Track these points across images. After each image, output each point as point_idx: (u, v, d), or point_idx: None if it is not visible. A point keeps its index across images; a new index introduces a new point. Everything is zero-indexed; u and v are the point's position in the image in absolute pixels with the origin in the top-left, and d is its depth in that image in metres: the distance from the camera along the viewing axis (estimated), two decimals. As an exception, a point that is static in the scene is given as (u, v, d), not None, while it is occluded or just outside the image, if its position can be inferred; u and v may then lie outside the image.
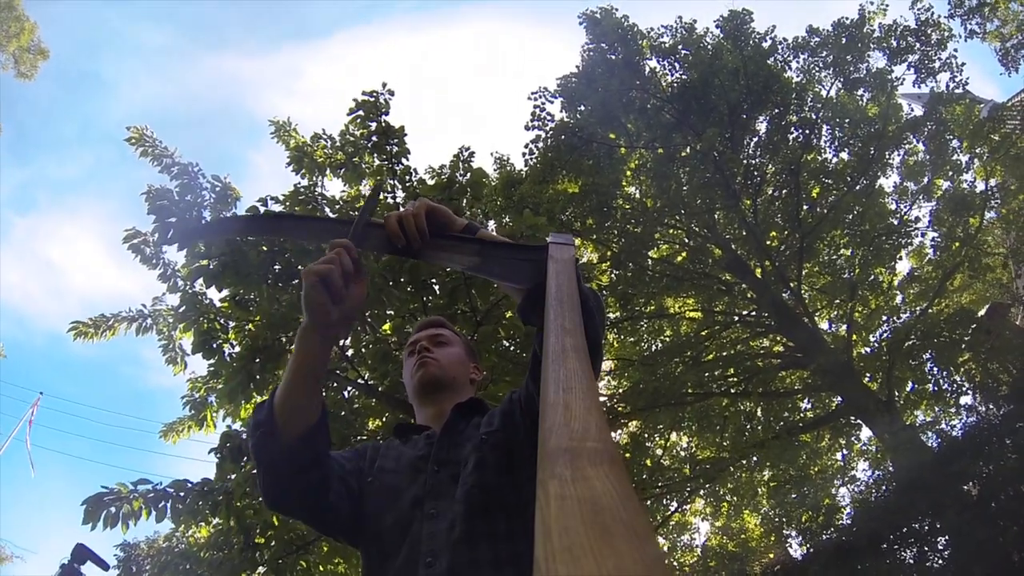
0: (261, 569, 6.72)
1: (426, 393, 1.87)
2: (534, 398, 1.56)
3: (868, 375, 11.97)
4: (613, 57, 14.25)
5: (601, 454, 0.61)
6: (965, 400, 11.00)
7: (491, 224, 9.42)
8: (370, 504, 1.64)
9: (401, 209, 1.52)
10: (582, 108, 14.15)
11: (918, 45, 12.87)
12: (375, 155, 7.75)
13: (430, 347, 1.93)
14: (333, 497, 1.58)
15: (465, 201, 7.44)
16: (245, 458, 6.13)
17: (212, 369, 7.20)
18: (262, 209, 6.68)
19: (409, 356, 1.96)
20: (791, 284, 12.93)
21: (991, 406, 8.91)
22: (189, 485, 6.15)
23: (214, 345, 6.79)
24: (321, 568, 7.14)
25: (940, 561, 8.06)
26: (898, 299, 14.11)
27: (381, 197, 7.61)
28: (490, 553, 1.43)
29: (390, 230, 1.45)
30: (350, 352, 7.36)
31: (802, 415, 14.26)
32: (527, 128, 13.75)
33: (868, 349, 13.29)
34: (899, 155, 13.63)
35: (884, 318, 13.46)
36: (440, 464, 1.64)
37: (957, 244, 12.76)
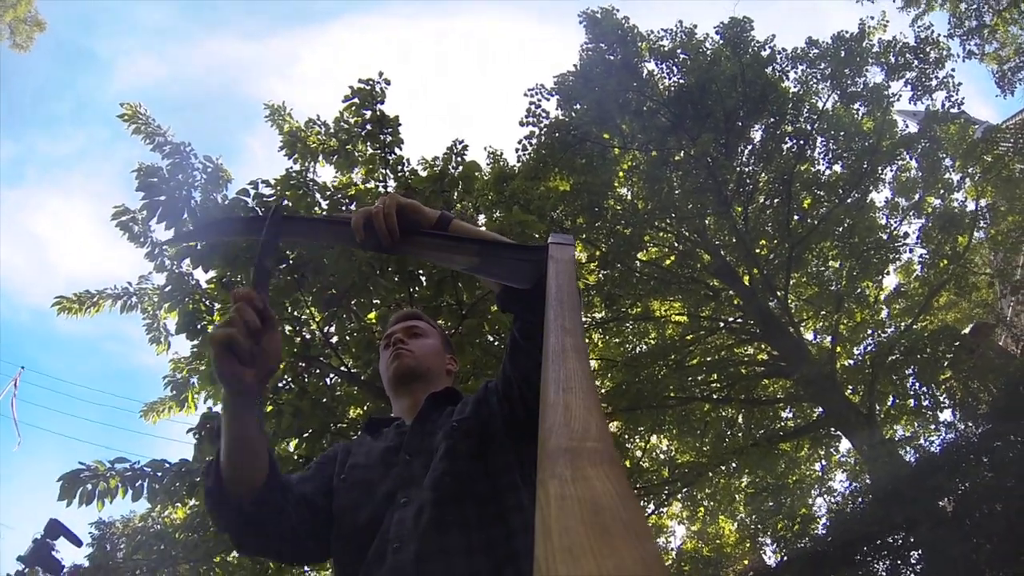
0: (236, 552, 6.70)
1: (401, 384, 1.88)
2: (511, 382, 1.58)
3: (850, 387, 12.05)
4: (612, 57, 14.26)
5: (601, 454, 0.61)
6: (945, 417, 11.09)
7: (481, 218, 9.40)
8: (343, 500, 1.63)
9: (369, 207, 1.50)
10: (578, 107, 14.15)
11: (916, 62, 12.95)
12: (368, 143, 7.72)
13: (405, 339, 1.94)
14: (301, 533, 1.56)
15: (456, 194, 7.42)
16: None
17: (195, 350, 7.16)
18: (252, 191, 6.64)
19: (385, 348, 1.96)
20: (778, 293, 12.99)
21: (970, 424, 8.97)
22: (167, 465, 6.11)
23: (198, 326, 6.74)
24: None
25: (912, 575, 8.13)
26: (883, 313, 14.21)
27: (372, 185, 7.59)
28: (461, 540, 1.42)
29: (354, 228, 1.44)
30: (334, 339, 7.34)
31: (783, 424, 14.36)
32: (522, 124, 13.75)
33: (851, 361, 13.38)
34: (892, 171, 13.72)
35: (869, 332, 13.55)
36: (412, 453, 1.64)
37: (944, 262, 12.86)
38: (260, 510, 1.44)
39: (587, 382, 0.79)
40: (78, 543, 3.88)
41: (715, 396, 13.51)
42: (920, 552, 8.05)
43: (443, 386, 1.87)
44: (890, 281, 14.55)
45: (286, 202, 6.73)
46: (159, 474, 6.04)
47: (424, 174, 7.94)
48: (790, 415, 14.62)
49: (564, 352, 0.88)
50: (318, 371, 7.43)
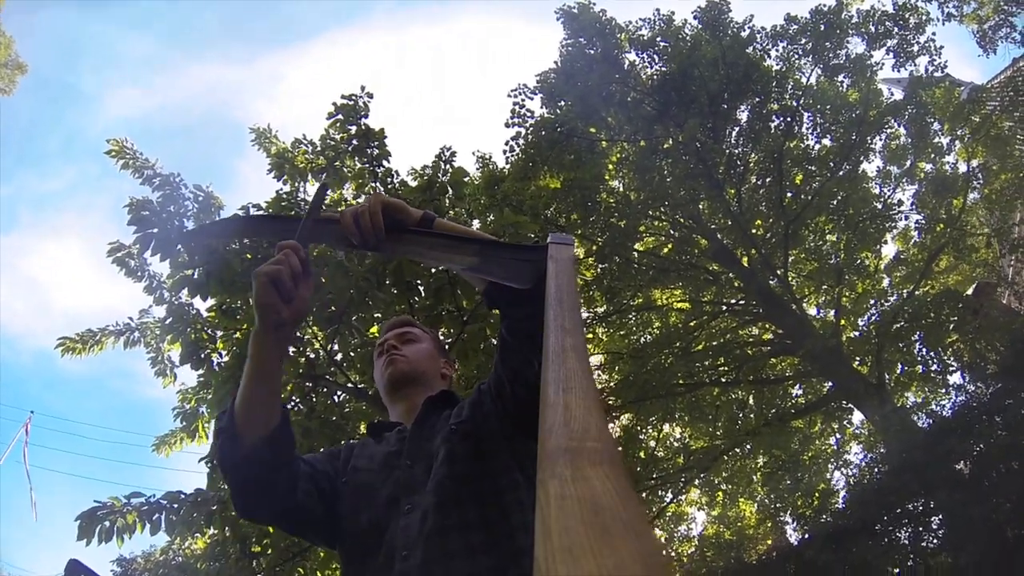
0: (259, 577, 6.70)
1: (395, 389, 1.89)
2: (503, 381, 1.59)
3: (858, 359, 12.04)
4: (592, 51, 14.24)
5: (601, 454, 0.62)
6: (954, 380, 11.09)
7: (475, 223, 9.39)
8: (346, 504, 1.64)
9: (356, 205, 1.53)
10: (562, 103, 14.14)
11: (896, 30, 12.93)
12: (356, 158, 7.73)
13: (398, 345, 1.95)
14: (302, 497, 1.58)
15: (448, 201, 7.42)
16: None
17: (201, 379, 7.17)
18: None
19: (378, 357, 1.97)
20: (778, 271, 12.98)
21: (980, 385, 8.96)
22: (182, 496, 6.11)
23: (202, 355, 6.75)
24: (319, 574, 7.12)
25: (935, 540, 8.12)
26: (885, 282, 14.21)
27: (362, 200, 7.58)
28: (462, 543, 1.43)
29: (344, 226, 1.47)
30: (339, 356, 7.35)
31: (794, 401, 14.35)
32: (507, 125, 13.73)
33: (857, 333, 13.37)
34: (881, 139, 13.68)
35: (871, 302, 13.52)
36: (413, 458, 1.65)
37: (941, 226, 12.86)
38: (268, 448, 1.47)
39: (587, 382, 0.79)
40: (100, 581, 3.88)
41: (724, 379, 13.50)
42: (940, 517, 8.04)
43: (439, 390, 1.88)
44: (889, 250, 14.59)
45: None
46: (175, 506, 6.04)
47: (414, 184, 7.94)
48: (800, 392, 14.62)
49: (564, 352, 0.89)
50: (325, 389, 7.44)
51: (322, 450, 1.86)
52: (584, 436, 0.66)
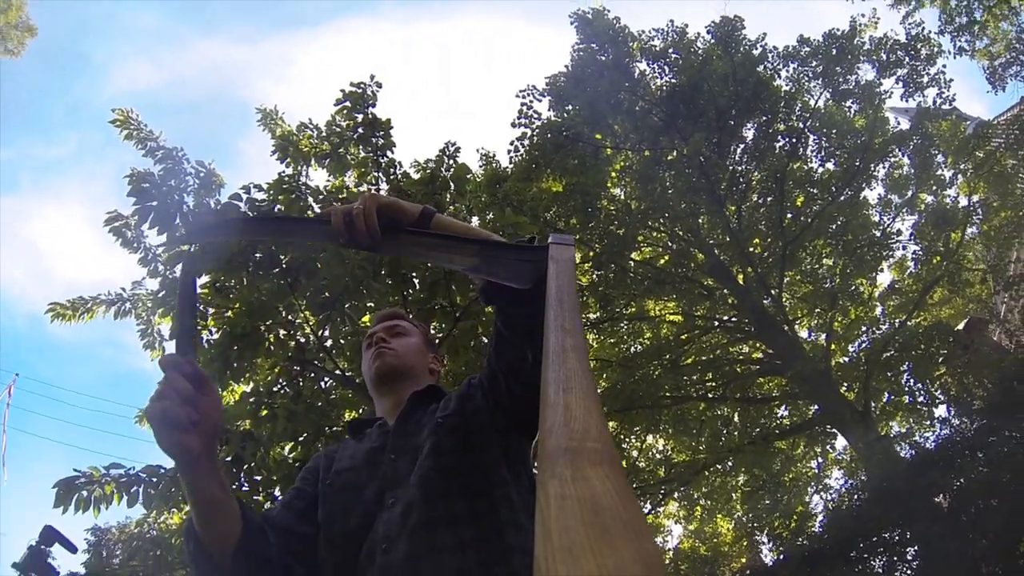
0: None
1: (382, 383, 1.87)
2: (496, 375, 1.58)
3: (845, 384, 12.09)
4: (603, 58, 14.26)
5: (601, 454, 0.61)
6: (939, 412, 11.12)
7: (475, 220, 9.39)
8: (331, 506, 1.63)
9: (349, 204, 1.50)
10: (570, 108, 14.16)
11: (907, 59, 12.98)
12: (360, 147, 7.72)
13: (386, 338, 1.94)
14: (294, 570, 1.55)
15: (449, 196, 7.42)
16: (217, 443, 6.09)
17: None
18: (244, 196, 6.63)
19: (367, 349, 1.96)
20: (772, 291, 13.01)
21: (965, 420, 8.99)
22: (162, 471, 6.08)
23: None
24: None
25: (909, 571, 8.14)
26: (878, 310, 14.25)
27: (364, 188, 7.58)
28: (451, 537, 1.42)
29: (335, 226, 1.44)
30: (329, 343, 7.34)
31: (779, 422, 14.39)
32: (514, 125, 13.75)
33: (846, 359, 13.42)
34: (884, 168, 13.76)
35: (863, 329, 13.57)
36: (397, 452, 1.63)
37: (938, 258, 12.90)
38: (243, 565, 1.43)
39: (587, 382, 0.79)
40: (73, 550, 3.85)
41: (710, 395, 13.53)
42: (916, 548, 8.07)
43: (426, 384, 1.87)
44: (884, 278, 14.64)
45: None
46: (154, 480, 6.01)
47: (416, 177, 7.94)
48: (785, 413, 14.67)
49: (564, 352, 0.88)
50: (312, 375, 7.42)
51: (297, 478, 1.83)
52: (584, 436, 0.65)
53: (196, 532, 1.41)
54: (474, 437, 1.59)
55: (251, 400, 6.70)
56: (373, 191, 7.34)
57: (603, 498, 0.53)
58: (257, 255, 6.62)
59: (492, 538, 1.43)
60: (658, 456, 14.82)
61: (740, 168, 13.97)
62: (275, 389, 6.97)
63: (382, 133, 7.42)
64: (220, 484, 1.39)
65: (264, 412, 6.43)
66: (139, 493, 5.92)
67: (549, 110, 14.26)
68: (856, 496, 9.24)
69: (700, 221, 14.09)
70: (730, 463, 13.16)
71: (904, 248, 13.80)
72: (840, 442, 13.61)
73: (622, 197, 14.74)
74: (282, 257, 6.37)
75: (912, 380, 11.25)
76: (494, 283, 1.47)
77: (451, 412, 1.65)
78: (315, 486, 1.72)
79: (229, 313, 6.73)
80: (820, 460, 14.48)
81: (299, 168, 8.10)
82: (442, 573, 1.37)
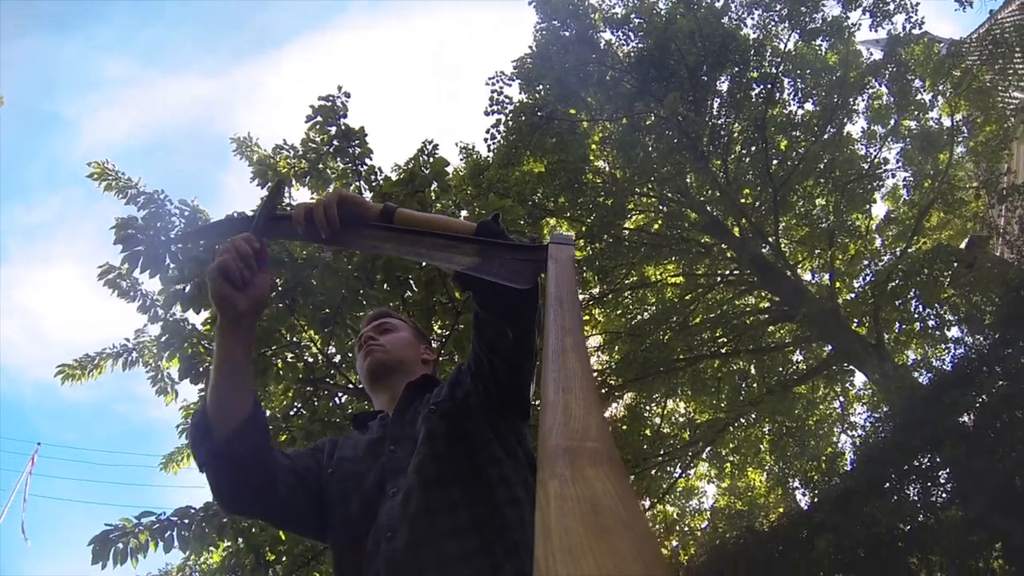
0: (275, 585, 6.72)
1: (376, 379, 1.91)
2: (480, 357, 1.62)
3: (855, 320, 12.07)
4: (566, 33, 14.20)
5: (601, 454, 0.62)
6: (952, 334, 11.13)
7: (463, 213, 9.37)
8: (333, 495, 1.66)
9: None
10: (540, 88, 14.09)
11: (871, -12, 12.90)
12: (338, 159, 7.70)
13: (375, 336, 1.98)
14: (283, 490, 1.59)
15: (433, 194, 7.39)
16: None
17: (202, 394, 7.14)
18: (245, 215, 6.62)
19: (359, 351, 2.00)
20: (769, 239, 13.00)
21: (978, 336, 8.98)
22: (192, 511, 6.11)
23: (200, 369, 6.74)
24: (335, 577, 7.12)
25: (943, 495, 8.15)
26: (877, 242, 14.26)
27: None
28: (450, 522, 1.44)
29: (295, 219, 1.51)
30: (337, 359, 7.34)
31: (795, 367, 14.41)
32: (486, 113, 13.65)
33: (853, 295, 13.41)
34: (863, 100, 13.69)
35: (865, 262, 13.56)
36: (396, 443, 1.67)
37: (929, 182, 12.88)
38: (241, 441, 1.47)
39: (587, 382, 0.79)
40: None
41: (723, 351, 13.55)
42: (947, 471, 8.07)
43: (420, 375, 1.90)
44: (879, 209, 14.62)
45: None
46: (186, 521, 6.04)
47: (396, 179, 7.91)
48: (800, 357, 14.69)
49: (564, 352, 0.89)
50: (326, 392, 7.43)
51: (307, 445, 1.89)
52: (584, 436, 0.66)
53: (204, 408, 1.49)
54: (466, 421, 1.62)
55: (269, 428, 6.70)
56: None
57: (603, 498, 0.54)
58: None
59: (490, 519, 1.45)
60: (681, 419, 14.83)
61: (719, 122, 13.93)
62: (291, 413, 6.99)
63: (357, 142, 7.40)
64: (248, 358, 1.50)
65: (284, 438, 6.45)
66: (173, 537, 5.95)
67: (520, 93, 14.20)
68: (881, 429, 9.25)
69: (687, 180, 14.05)
70: (753, 415, 13.17)
71: (894, 176, 13.82)
72: (859, 378, 13.64)
73: (606, 168, 14.71)
74: (277, 281, 6.37)
75: (921, 306, 11.24)
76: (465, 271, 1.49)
77: (443, 398, 1.69)
78: (320, 459, 1.77)
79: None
80: (841, 399, 14.50)
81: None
82: (444, 558, 1.40)
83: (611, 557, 0.46)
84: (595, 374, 11.30)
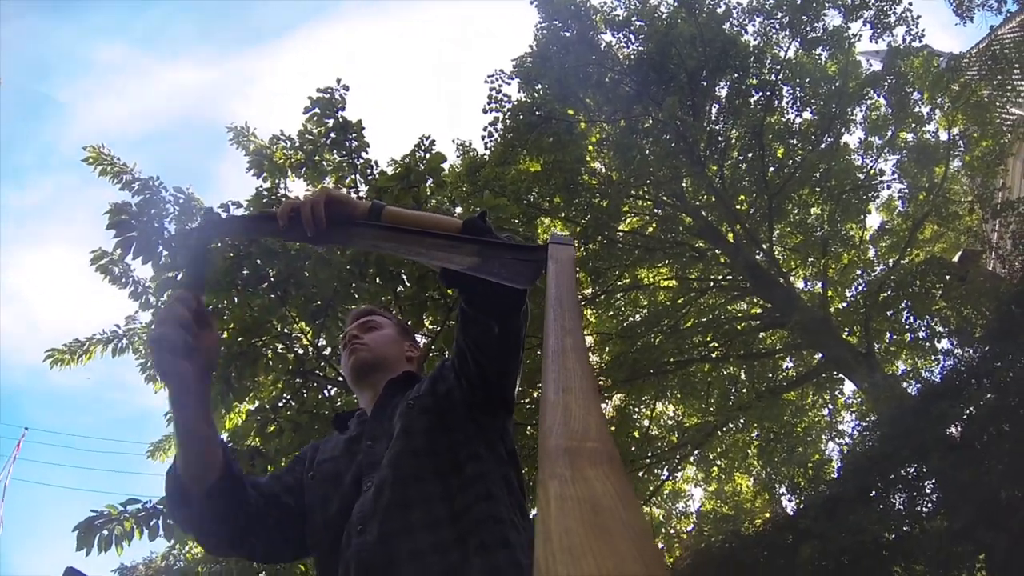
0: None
1: (359, 377, 1.91)
2: (465, 352, 1.62)
3: (847, 329, 12.13)
4: (567, 34, 14.20)
5: (601, 454, 0.62)
6: (942, 346, 11.18)
7: (458, 210, 9.36)
8: (313, 496, 1.66)
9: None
10: (539, 87, 14.10)
11: (872, 1, 12.93)
12: (335, 151, 7.68)
13: (359, 334, 1.97)
14: (270, 532, 1.59)
15: (429, 190, 7.38)
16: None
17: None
18: (224, 215, 6.59)
19: (343, 349, 2.00)
20: (763, 246, 13.03)
21: (967, 349, 9.03)
22: (178, 500, 6.07)
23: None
24: (319, 570, 7.11)
25: (929, 504, 8.20)
26: (870, 253, 14.30)
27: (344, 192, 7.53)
28: (425, 516, 1.44)
29: (279, 217, 1.50)
30: (327, 351, 7.33)
31: (785, 374, 14.44)
32: (484, 111, 13.65)
33: (844, 304, 13.45)
34: (861, 111, 13.74)
35: (858, 272, 13.60)
36: (373, 438, 1.67)
37: (924, 194, 12.93)
38: (218, 502, 1.46)
39: (587, 382, 0.79)
40: (99, 589, 3.86)
41: (714, 355, 13.57)
42: (934, 481, 8.12)
43: (402, 372, 1.90)
44: (873, 220, 14.67)
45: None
46: (172, 509, 6.00)
47: (392, 173, 7.90)
48: (791, 364, 14.72)
49: (564, 352, 0.89)
50: (315, 384, 7.42)
51: (295, 436, 1.90)
52: (584, 436, 0.66)
53: (176, 469, 1.46)
54: (446, 416, 1.62)
55: (258, 418, 6.70)
56: (351, 194, 7.31)
57: (603, 498, 0.54)
58: (244, 271, 6.59)
59: (465, 513, 1.45)
60: (670, 422, 14.86)
61: (717, 127, 13.95)
62: (280, 404, 6.97)
63: (354, 135, 7.38)
64: (207, 419, 1.46)
65: (271, 428, 6.43)
66: (159, 526, 5.92)
67: (519, 92, 14.20)
68: (869, 437, 9.29)
69: (683, 184, 14.08)
70: (741, 421, 13.21)
71: (889, 188, 13.84)
72: (848, 387, 13.68)
73: (602, 169, 14.72)
74: (270, 271, 6.35)
75: (912, 317, 11.28)
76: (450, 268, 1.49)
77: (422, 393, 1.69)
78: (301, 470, 1.76)
79: (224, 334, 6.72)
80: (830, 407, 14.54)
81: (276, 181, 8.05)
82: (418, 550, 1.39)
83: (611, 557, 0.46)
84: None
